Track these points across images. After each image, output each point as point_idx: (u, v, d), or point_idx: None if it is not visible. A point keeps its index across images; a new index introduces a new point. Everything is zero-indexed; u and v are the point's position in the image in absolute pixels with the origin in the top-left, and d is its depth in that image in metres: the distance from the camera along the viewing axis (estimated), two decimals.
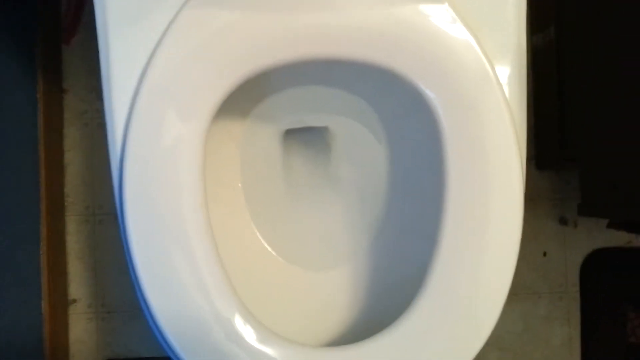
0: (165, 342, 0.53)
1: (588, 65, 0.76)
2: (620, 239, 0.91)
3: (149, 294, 0.52)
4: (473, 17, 0.52)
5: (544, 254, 0.91)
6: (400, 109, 0.64)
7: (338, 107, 0.69)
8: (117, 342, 0.90)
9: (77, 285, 0.90)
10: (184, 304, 0.52)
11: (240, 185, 0.69)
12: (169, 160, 0.52)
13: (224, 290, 0.52)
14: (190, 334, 0.52)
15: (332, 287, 0.65)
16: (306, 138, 0.71)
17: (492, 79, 0.51)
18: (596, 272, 0.89)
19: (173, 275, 0.52)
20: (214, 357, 0.51)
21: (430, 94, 0.52)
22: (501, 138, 0.51)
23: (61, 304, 0.88)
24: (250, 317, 0.52)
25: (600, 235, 0.91)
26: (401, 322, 0.52)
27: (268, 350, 0.51)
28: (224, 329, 0.51)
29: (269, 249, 0.67)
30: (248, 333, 0.52)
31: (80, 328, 0.90)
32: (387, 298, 0.61)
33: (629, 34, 0.67)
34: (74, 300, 0.90)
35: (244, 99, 0.67)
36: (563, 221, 0.91)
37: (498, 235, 0.52)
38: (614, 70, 0.71)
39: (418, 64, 0.51)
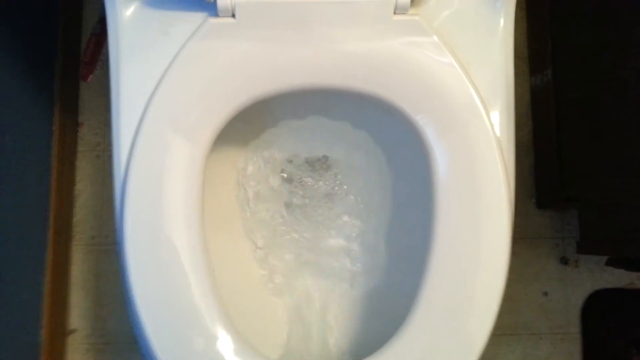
0: None
1: (583, 105, 0.78)
2: (621, 280, 0.90)
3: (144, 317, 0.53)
4: (462, 50, 0.55)
5: (545, 294, 0.90)
6: (393, 143, 0.66)
7: (337, 139, 0.71)
8: None
9: (77, 315, 0.91)
10: (179, 336, 0.52)
11: (241, 211, 0.70)
12: (169, 180, 0.54)
13: (220, 321, 0.53)
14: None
15: (327, 314, 0.65)
16: (307, 166, 0.73)
17: (479, 107, 0.53)
18: (598, 313, 0.88)
19: (168, 297, 0.53)
20: None
21: (419, 121, 0.54)
22: (489, 165, 0.53)
23: (60, 332, 0.88)
24: (249, 348, 0.52)
25: (602, 276, 0.90)
26: (392, 344, 0.52)
27: None
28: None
29: (265, 276, 0.68)
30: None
31: (78, 358, 0.90)
32: (380, 324, 0.61)
33: (620, 75, 0.70)
34: (73, 330, 0.90)
35: (246, 129, 0.69)
36: (564, 261, 0.91)
37: (487, 257, 0.53)
38: (609, 110, 0.72)
39: (407, 93, 0.54)
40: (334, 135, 0.71)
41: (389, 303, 0.63)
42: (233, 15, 0.55)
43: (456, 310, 0.52)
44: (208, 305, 0.53)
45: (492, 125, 0.54)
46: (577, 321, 0.89)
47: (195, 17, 0.56)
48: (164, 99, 0.55)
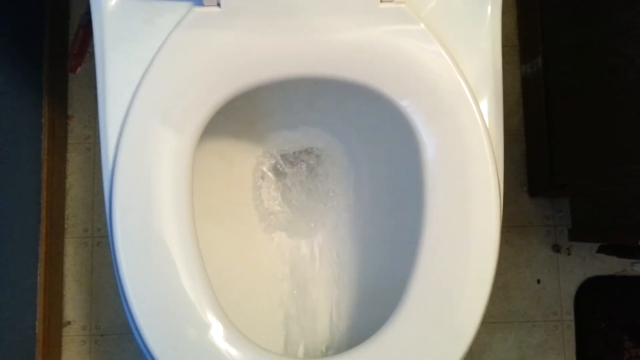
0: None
1: (573, 92, 0.78)
2: (614, 267, 0.90)
3: (134, 305, 0.53)
4: (449, 38, 0.54)
5: (538, 282, 0.91)
6: (383, 132, 0.66)
7: (326, 132, 0.71)
8: None
9: (73, 307, 0.91)
10: (172, 326, 0.53)
11: (232, 202, 0.70)
12: (158, 172, 0.54)
13: (211, 309, 0.53)
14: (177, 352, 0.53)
15: (318, 302, 0.65)
16: (297, 159, 0.73)
17: (466, 94, 0.53)
18: (591, 300, 0.88)
19: (158, 286, 0.53)
20: None
21: (406, 108, 0.53)
22: (477, 149, 0.53)
23: (55, 325, 0.89)
24: (239, 334, 0.52)
25: (594, 263, 0.90)
26: (381, 334, 0.52)
27: None
28: (213, 350, 0.52)
29: (255, 264, 0.68)
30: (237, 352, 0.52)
31: (74, 350, 0.90)
32: (371, 311, 0.62)
33: (610, 61, 0.69)
34: (69, 322, 0.91)
35: (236, 122, 0.69)
36: (556, 249, 0.91)
37: (476, 245, 0.52)
38: (599, 97, 0.72)
39: (394, 81, 0.53)
40: (324, 127, 0.70)
41: (381, 290, 0.63)
42: (218, 4, 0.55)
43: (445, 299, 0.52)
44: (199, 295, 0.53)
45: (480, 112, 0.53)
46: (571, 308, 0.89)
47: (181, 7, 0.55)
48: (149, 90, 0.54)
